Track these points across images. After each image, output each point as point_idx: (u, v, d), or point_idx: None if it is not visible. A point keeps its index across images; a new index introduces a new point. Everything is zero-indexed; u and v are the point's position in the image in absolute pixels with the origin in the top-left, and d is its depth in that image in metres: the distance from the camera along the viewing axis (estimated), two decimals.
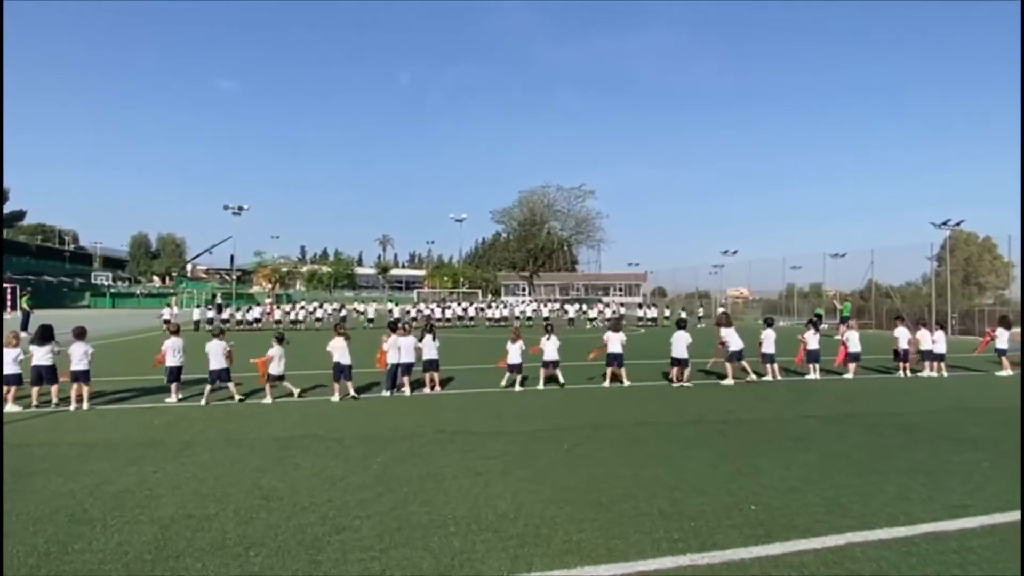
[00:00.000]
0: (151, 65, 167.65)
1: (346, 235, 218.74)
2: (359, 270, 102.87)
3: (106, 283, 73.08)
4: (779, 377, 12.76)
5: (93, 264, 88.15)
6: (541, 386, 11.37)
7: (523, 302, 47.97)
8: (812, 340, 13.45)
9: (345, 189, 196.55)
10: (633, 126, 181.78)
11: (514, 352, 11.28)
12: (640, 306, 42.00)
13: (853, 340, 13.83)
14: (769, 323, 13.86)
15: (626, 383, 11.70)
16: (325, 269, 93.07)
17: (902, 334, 14.08)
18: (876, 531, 4.42)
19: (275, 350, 9.95)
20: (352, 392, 10.12)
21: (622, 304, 49.56)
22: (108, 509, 4.80)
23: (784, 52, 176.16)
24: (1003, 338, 14.43)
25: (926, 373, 13.79)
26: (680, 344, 11.94)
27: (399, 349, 10.65)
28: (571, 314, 37.81)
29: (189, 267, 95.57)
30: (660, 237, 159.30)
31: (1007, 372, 13.95)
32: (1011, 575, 3.77)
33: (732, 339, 12.51)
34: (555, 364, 11.52)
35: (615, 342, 11.86)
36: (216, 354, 9.81)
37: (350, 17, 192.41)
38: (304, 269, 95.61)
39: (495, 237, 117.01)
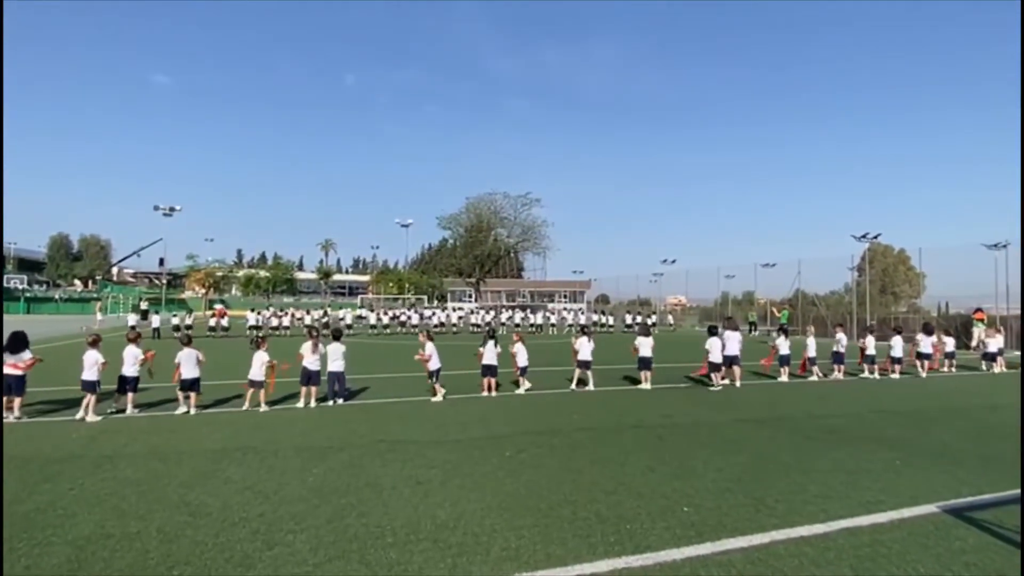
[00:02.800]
0: (78, 54, 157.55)
1: (286, 239, 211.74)
2: (300, 275, 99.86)
3: (21, 286, 67.93)
4: (723, 383, 13.30)
5: (6, 266, 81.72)
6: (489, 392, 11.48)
7: (472, 310, 47.85)
8: (783, 346, 14.38)
9: (286, 192, 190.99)
10: (578, 135, 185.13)
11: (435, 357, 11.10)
12: (603, 312, 42.73)
13: (784, 346, 14.71)
14: (713, 331, 14.36)
15: (591, 387, 12.04)
16: (263, 274, 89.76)
17: (842, 339, 15.21)
18: (798, 528, 4.66)
19: (184, 353, 9.55)
20: (312, 401, 10.00)
21: (580, 311, 50.23)
22: (16, 531, 4.46)
23: (726, 72, 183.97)
24: (926, 343, 15.70)
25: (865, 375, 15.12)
26: (645, 347, 12.83)
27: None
28: (538, 320, 38.08)
29: (115, 270, 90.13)
30: (603, 245, 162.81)
31: (923, 374, 15.53)
32: (916, 566, 4.04)
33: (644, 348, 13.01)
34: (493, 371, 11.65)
35: (585, 349, 12.32)
36: (129, 360, 9.40)
37: (293, 16, 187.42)
38: (240, 273, 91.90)
39: (442, 243, 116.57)
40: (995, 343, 17.24)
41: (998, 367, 16.69)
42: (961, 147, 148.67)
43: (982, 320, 20.48)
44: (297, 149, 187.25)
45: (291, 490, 5.50)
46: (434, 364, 10.92)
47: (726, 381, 13.20)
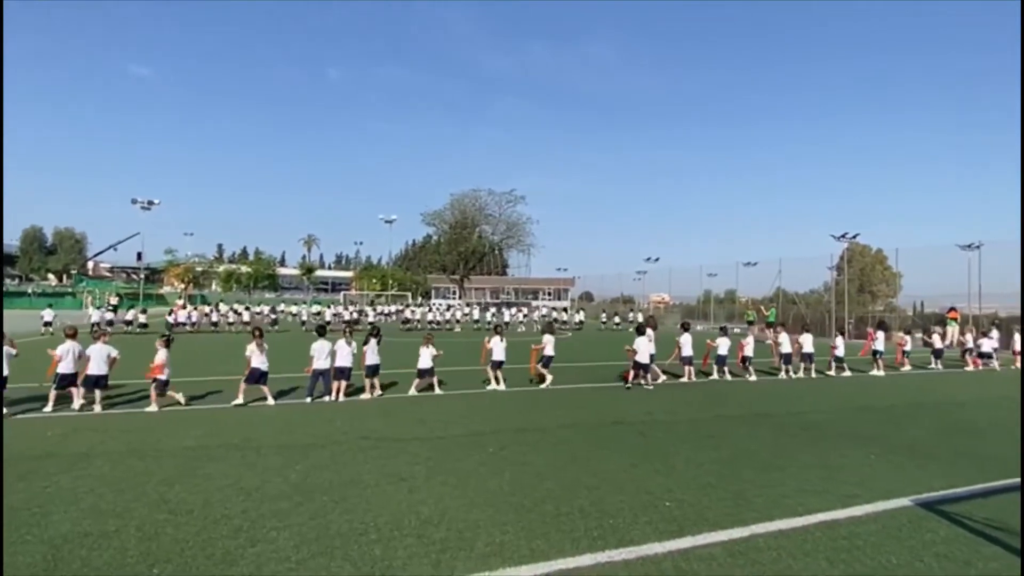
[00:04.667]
0: (55, 43, 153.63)
1: (268, 234, 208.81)
2: (282, 271, 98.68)
3: None
4: (694, 379, 13.51)
5: None
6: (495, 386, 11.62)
7: (455, 306, 47.79)
8: (786, 343, 14.68)
9: (268, 186, 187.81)
10: (564, 133, 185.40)
11: (425, 357, 11.21)
12: (565, 310, 42.94)
13: (786, 343, 15.18)
14: (686, 327, 14.56)
15: (547, 383, 11.98)
16: (244, 269, 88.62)
17: (806, 340, 15.35)
18: (777, 522, 4.75)
19: (162, 354, 9.43)
20: (269, 399, 9.85)
21: (553, 308, 50.47)
22: None
23: (713, 71, 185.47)
24: (880, 341, 16.11)
25: (834, 373, 15.35)
26: (687, 344, 13.33)
27: (333, 354, 10.43)
28: (506, 318, 38.10)
29: (91, 265, 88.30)
30: (588, 243, 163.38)
31: (879, 372, 15.79)
32: (890, 557, 4.15)
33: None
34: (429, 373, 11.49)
35: (550, 344, 12.21)
36: (97, 358, 9.23)
37: (276, 9, 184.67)
38: (221, 269, 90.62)
39: (425, 239, 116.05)
40: (989, 343, 17.79)
41: (996, 364, 17.47)
42: (937, 149, 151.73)
43: (956, 319, 20.98)
44: (280, 143, 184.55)
45: (273, 487, 5.47)
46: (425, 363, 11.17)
47: (659, 380, 13.09)
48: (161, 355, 9.46)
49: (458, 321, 37.55)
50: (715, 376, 14.13)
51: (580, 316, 39.65)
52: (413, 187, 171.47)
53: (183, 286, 78.31)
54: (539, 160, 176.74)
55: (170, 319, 28.47)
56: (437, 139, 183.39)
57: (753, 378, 14.05)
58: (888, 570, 3.93)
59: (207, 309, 33.41)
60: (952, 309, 24.24)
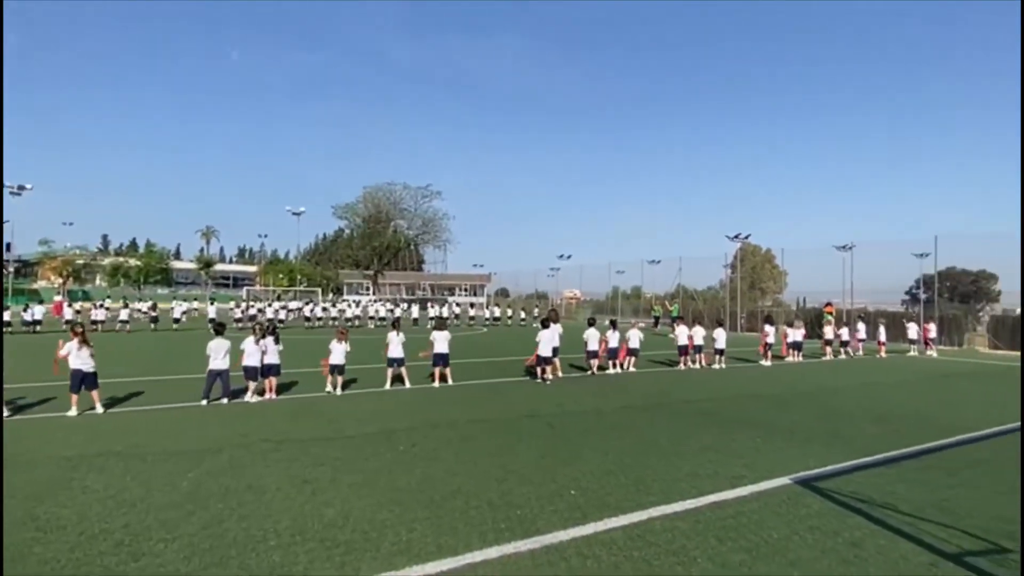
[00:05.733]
0: None
1: (162, 225, 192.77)
2: (176, 264, 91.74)
3: None
4: (597, 372, 14.08)
5: None
6: (388, 386, 11.38)
7: (372, 301, 46.62)
8: (682, 335, 15.49)
9: (162, 173, 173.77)
10: (478, 130, 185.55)
11: (338, 352, 10.90)
12: (485, 306, 43.15)
13: (682, 335, 16.25)
14: (591, 323, 15.12)
15: (450, 382, 11.96)
16: (133, 262, 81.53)
17: (697, 332, 16.52)
18: (673, 505, 5.05)
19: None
20: (98, 406, 8.81)
21: (471, 304, 50.54)
22: None
23: (621, 72, 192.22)
24: (771, 334, 17.63)
25: (717, 365, 16.41)
26: (592, 339, 13.97)
27: (241, 353, 9.91)
28: (416, 315, 37.60)
29: None
30: (504, 240, 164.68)
31: (766, 362, 17.30)
32: (771, 532, 4.53)
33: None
34: (400, 362, 11.56)
35: (441, 342, 12.04)
36: None
37: None
38: (106, 262, 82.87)
39: (337, 233, 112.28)
40: (854, 333, 19.98)
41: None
42: (819, 152, 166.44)
43: (831, 313, 23.11)
44: (174, 126, 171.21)
45: (161, 497, 5.09)
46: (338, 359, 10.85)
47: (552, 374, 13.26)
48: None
49: (371, 317, 36.68)
50: (611, 370, 14.64)
51: (495, 312, 39.99)
52: (323, 179, 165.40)
53: (61, 280, 70.93)
54: (453, 156, 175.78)
55: (26, 316, 25.37)
56: (347, 130, 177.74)
57: (633, 369, 14.93)
58: (769, 544, 4.29)
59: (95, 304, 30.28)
60: (828, 304, 26.70)
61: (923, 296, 31.06)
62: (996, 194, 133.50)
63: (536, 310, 41.85)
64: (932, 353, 21.87)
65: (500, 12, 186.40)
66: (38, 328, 25.22)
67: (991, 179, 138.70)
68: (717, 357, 16.56)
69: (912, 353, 21.65)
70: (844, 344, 20.42)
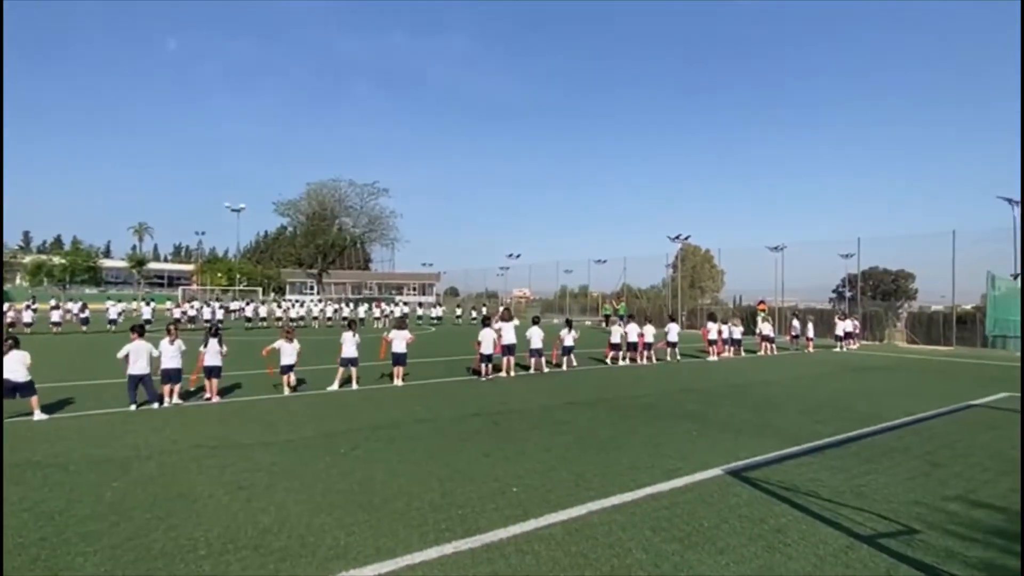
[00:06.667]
0: None
1: (90, 221, 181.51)
2: (106, 263, 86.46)
3: None
4: (546, 370, 14.26)
5: None
6: (336, 387, 11.21)
7: (317, 301, 45.41)
8: (568, 337, 15.52)
9: (89, 166, 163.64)
10: (425, 127, 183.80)
11: (288, 352, 10.73)
12: (432, 305, 42.82)
13: (633, 332, 16.74)
14: (536, 321, 15.35)
15: (402, 382, 11.91)
16: (57, 260, 76.35)
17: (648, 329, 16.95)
18: (611, 498, 5.18)
19: None
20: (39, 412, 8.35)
21: (419, 303, 50.04)
22: None
23: (569, 70, 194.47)
24: (712, 331, 18.39)
25: (669, 358, 16.91)
26: (536, 337, 14.24)
27: (156, 356, 9.41)
28: (362, 314, 36.88)
29: None
30: (453, 238, 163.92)
31: (713, 358, 18.07)
32: (702, 521, 4.71)
33: (508, 334, 13.68)
34: (353, 363, 11.52)
35: (400, 341, 12.00)
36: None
37: None
38: (27, 260, 77.35)
39: (279, 231, 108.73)
40: (769, 328, 21.00)
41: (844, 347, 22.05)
42: (754, 157, 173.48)
43: (764, 310, 24.20)
44: (104, 115, 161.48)
45: (83, 508, 4.82)
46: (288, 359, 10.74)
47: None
48: None
49: (315, 318, 35.77)
50: (565, 367, 14.97)
51: (439, 311, 39.77)
52: (264, 175, 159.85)
53: None
54: (400, 154, 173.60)
55: None
56: (290, 125, 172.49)
57: (574, 364, 15.28)
58: (700, 532, 4.47)
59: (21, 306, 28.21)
60: (761, 302, 27.96)
61: (848, 294, 32.94)
62: (915, 198, 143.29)
63: (484, 309, 41.94)
64: (855, 347, 23.25)
65: (446, 11, 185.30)
66: None
67: (912, 183, 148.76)
68: (670, 350, 17.22)
69: (837, 349, 22.92)
70: (770, 340, 21.32)
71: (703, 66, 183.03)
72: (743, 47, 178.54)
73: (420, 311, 41.50)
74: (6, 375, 8.22)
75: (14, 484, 5.43)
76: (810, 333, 22.41)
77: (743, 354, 19.78)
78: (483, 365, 13.01)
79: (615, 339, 16.76)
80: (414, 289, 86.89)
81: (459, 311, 43.68)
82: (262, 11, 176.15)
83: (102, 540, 4.18)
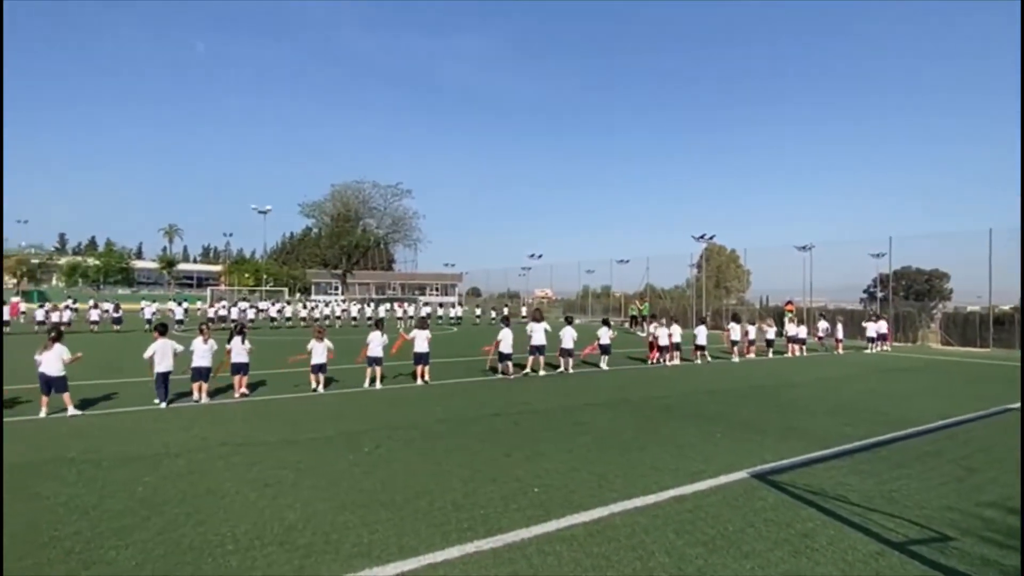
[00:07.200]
0: None
1: (123, 224, 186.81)
2: (138, 264, 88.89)
3: None
4: (571, 370, 14.20)
5: None
6: (367, 385, 11.43)
7: (341, 301, 46.01)
8: (605, 336, 15.43)
9: (121, 170, 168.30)
10: (451, 129, 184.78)
11: (319, 351, 10.90)
12: (452, 305, 43.03)
13: (663, 334, 16.51)
14: (569, 321, 15.31)
15: (428, 381, 11.97)
16: (92, 262, 78.71)
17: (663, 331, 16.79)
18: (634, 500, 5.14)
19: None
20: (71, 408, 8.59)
21: (440, 304, 50.29)
22: None
23: (592, 70, 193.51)
24: (736, 331, 18.12)
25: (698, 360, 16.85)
26: (568, 337, 14.19)
27: (191, 354, 9.70)
28: (382, 314, 37.22)
29: None
30: (475, 239, 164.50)
31: (736, 359, 17.91)
32: (727, 525, 4.65)
33: (538, 335, 13.74)
34: (378, 362, 11.64)
35: (422, 340, 12.08)
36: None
37: None
38: (63, 261, 79.87)
39: (305, 232, 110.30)
40: (803, 330, 20.52)
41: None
42: (783, 155, 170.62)
43: (791, 311, 23.78)
44: (136, 121, 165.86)
45: (115, 503, 4.96)
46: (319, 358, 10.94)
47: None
48: None
49: (338, 317, 36.22)
50: (604, 366, 15.01)
51: (458, 311, 39.99)
52: (290, 177, 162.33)
53: (15, 280, 68.11)
54: (424, 155, 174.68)
55: None
56: (315, 128, 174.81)
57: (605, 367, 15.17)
58: (725, 536, 4.40)
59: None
60: (789, 302, 27.45)
61: (879, 294, 32.16)
62: (951, 196, 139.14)
63: (506, 309, 41.96)
64: (886, 349, 22.69)
65: (468, 13, 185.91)
66: (7, 329, 24.43)
67: (946, 179, 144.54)
68: (699, 352, 17.04)
69: (869, 350, 22.38)
70: (798, 341, 20.87)
71: (729, 61, 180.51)
72: (769, 40, 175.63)
73: (440, 311, 41.67)
74: (44, 369, 8.51)
75: (50, 479, 5.61)
76: (839, 334, 21.93)
77: (771, 355, 19.44)
78: (503, 364, 13.12)
79: (663, 341, 16.54)
80: (436, 289, 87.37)
81: (478, 311, 43.75)
82: (280, 13, 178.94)
83: (134, 534, 4.29)
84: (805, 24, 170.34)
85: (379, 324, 12.43)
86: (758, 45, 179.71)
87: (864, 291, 41.34)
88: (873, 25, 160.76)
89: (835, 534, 4.49)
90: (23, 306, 31.37)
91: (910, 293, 43.22)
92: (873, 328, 22.68)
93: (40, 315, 27.10)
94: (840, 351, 21.52)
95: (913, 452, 7.19)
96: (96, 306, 27.83)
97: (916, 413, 9.63)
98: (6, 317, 25.46)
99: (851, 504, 5.13)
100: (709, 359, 17.31)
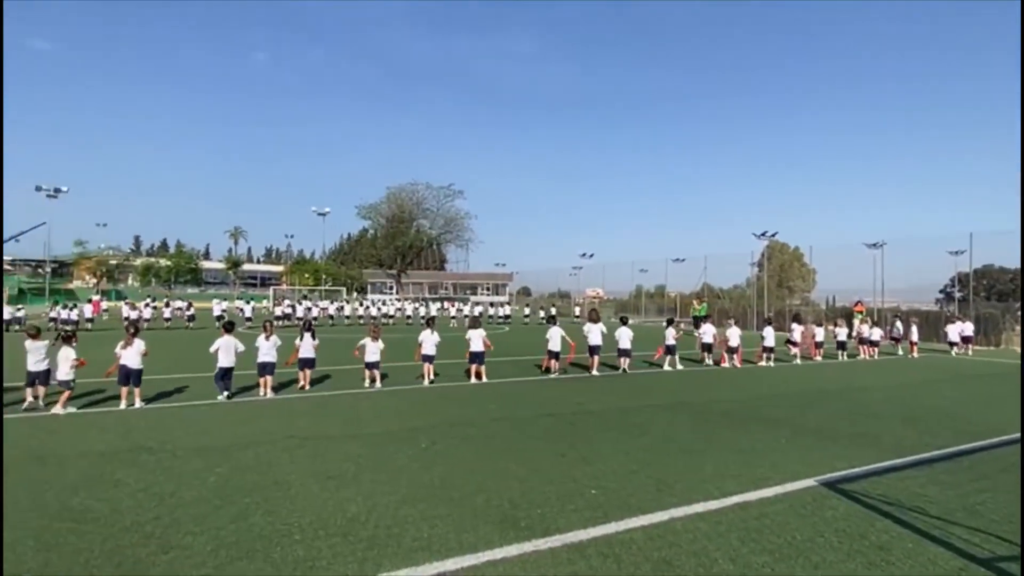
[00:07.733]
0: None
1: (191, 226, 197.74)
2: (206, 264, 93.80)
3: None
4: (628, 371, 14.00)
5: None
6: (426, 383, 11.63)
7: (397, 300, 47.12)
8: (670, 336, 15.32)
9: (191, 175, 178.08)
10: (502, 128, 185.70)
11: (372, 350, 11.14)
12: (501, 304, 43.18)
13: (734, 335, 16.10)
14: (624, 321, 15.10)
15: (484, 380, 12.03)
16: (164, 262, 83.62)
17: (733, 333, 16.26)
18: (695, 505, 4.99)
19: (64, 353, 8.93)
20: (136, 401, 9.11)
21: (491, 303, 50.66)
22: None
23: (642, 71, 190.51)
24: (796, 332, 17.37)
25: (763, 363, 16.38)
26: (624, 338, 14.15)
27: (256, 350, 10.26)
28: (434, 312, 37.80)
29: None
30: (526, 238, 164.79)
31: (796, 361, 17.30)
32: (795, 534, 4.45)
33: (594, 335, 13.65)
34: (430, 360, 11.85)
35: (476, 340, 12.17)
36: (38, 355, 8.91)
37: None
38: (138, 262, 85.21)
39: (361, 233, 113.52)
40: (877, 332, 19.59)
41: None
42: (848, 148, 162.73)
43: (861, 312, 22.62)
44: (203, 128, 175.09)
45: (190, 491, 5.23)
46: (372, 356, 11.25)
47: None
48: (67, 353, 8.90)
49: (391, 316, 37.04)
50: (667, 367, 14.80)
51: (507, 310, 40.09)
52: (348, 179, 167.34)
53: (95, 280, 73.13)
54: (475, 155, 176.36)
55: (66, 314, 26.18)
56: (370, 130, 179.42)
57: (666, 367, 14.85)
58: (793, 546, 4.22)
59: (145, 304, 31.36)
60: (858, 303, 26.12)
61: (958, 295, 30.16)
62: None
63: (553, 308, 41.83)
64: (967, 353, 21.24)
65: (514, 11, 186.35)
66: (89, 326, 26.39)
67: None
68: (765, 355, 16.48)
69: (953, 353, 20.99)
70: (863, 342, 19.82)
71: (787, 49, 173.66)
72: (834, 26, 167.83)
73: (491, 310, 41.92)
74: (125, 361, 9.07)
75: (131, 467, 5.97)
76: (914, 336, 20.70)
77: (845, 358, 18.53)
78: (552, 362, 13.20)
79: (734, 342, 16.09)
80: (487, 289, 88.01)
81: (527, 310, 43.77)
82: (336, 23, 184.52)
83: (207, 521, 4.51)
84: (881, 8, 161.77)
85: (431, 323, 12.63)
86: (823, 28, 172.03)
87: (940, 291, 38.93)
88: (944, 6, 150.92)
89: (913, 547, 4.23)
90: (105, 304, 33.80)
91: (992, 293, 40.34)
92: (956, 330, 21.26)
93: (126, 311, 29.11)
94: (915, 354, 20.31)
95: (998, 463, 6.69)
96: (168, 304, 29.72)
97: (1001, 421, 8.97)
98: (88, 314, 27.53)
99: (930, 516, 4.82)
100: (772, 363, 16.64)
